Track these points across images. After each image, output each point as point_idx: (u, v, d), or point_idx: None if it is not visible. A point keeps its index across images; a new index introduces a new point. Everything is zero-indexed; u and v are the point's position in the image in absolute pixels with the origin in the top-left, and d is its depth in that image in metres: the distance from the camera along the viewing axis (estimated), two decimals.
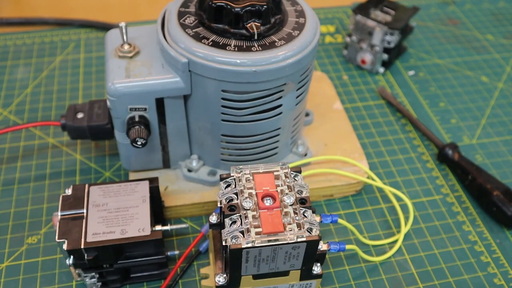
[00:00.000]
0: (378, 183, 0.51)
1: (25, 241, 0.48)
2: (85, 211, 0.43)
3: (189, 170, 0.50)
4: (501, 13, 0.79)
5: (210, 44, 0.42)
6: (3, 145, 0.57)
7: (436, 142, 0.57)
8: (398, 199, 0.52)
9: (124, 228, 0.42)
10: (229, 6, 0.41)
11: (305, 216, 0.35)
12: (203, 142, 0.49)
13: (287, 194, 0.36)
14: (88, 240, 0.41)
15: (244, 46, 0.42)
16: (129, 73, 0.44)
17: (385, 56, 0.65)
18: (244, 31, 0.42)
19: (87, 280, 0.44)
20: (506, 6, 0.80)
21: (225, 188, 0.37)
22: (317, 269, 0.38)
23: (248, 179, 0.37)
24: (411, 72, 0.68)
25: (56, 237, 0.41)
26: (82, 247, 0.40)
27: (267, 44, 0.42)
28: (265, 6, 0.41)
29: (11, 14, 0.74)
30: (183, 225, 0.46)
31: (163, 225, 0.44)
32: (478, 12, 0.79)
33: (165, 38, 0.43)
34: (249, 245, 0.34)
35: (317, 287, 0.40)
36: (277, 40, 0.42)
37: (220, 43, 0.42)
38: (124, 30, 0.45)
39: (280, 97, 0.45)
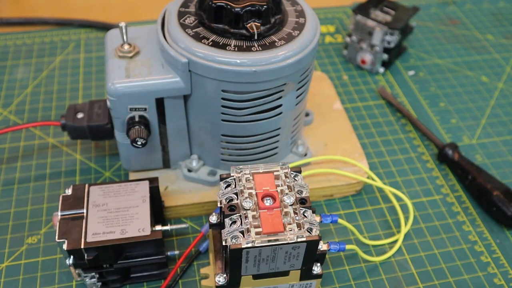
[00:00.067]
0: (378, 183, 0.51)
1: (25, 241, 0.48)
2: (85, 211, 0.43)
3: (189, 170, 0.50)
4: (501, 13, 0.79)
5: (210, 44, 0.42)
6: (3, 145, 0.57)
7: (436, 142, 0.57)
8: (398, 199, 0.52)
9: (124, 228, 0.42)
10: (229, 6, 0.41)
11: (305, 216, 0.35)
12: (203, 142, 0.49)
13: (287, 194, 0.36)
14: (88, 240, 0.41)
15: (244, 46, 0.42)
16: (129, 73, 0.44)
17: (385, 56, 0.65)
18: (244, 31, 0.42)
19: (87, 280, 0.44)
20: (506, 6, 0.80)
21: (225, 188, 0.37)
22: (317, 269, 0.38)
23: (248, 179, 0.37)
24: (411, 72, 0.68)
25: (56, 237, 0.41)
26: (82, 247, 0.40)
27: (267, 44, 0.42)
28: (265, 6, 0.41)
29: (11, 14, 0.74)
30: (183, 225, 0.46)
31: (163, 225, 0.44)
32: (478, 12, 0.79)
33: (165, 38, 0.43)
34: (249, 245, 0.34)
35: (317, 287, 0.40)
36: (277, 40, 0.42)
37: (220, 43, 0.42)
38: (124, 30, 0.45)
39: (280, 97, 0.45)
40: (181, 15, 0.44)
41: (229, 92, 0.43)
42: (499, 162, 0.58)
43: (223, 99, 0.44)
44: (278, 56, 0.41)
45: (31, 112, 0.60)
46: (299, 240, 0.34)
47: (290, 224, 0.35)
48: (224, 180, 0.37)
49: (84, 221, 0.42)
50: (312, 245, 0.35)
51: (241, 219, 0.35)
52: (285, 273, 0.38)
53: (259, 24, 0.41)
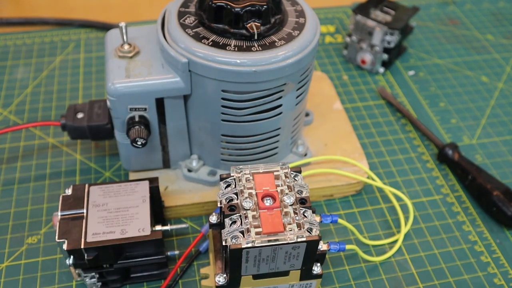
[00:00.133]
0: (378, 183, 0.51)
1: (25, 241, 0.48)
2: (85, 211, 0.43)
3: (189, 170, 0.50)
4: (501, 13, 0.79)
5: (210, 44, 0.42)
6: (3, 145, 0.57)
7: (436, 142, 0.57)
8: (398, 199, 0.52)
9: (124, 228, 0.42)
10: (229, 6, 0.41)
11: (305, 216, 0.35)
12: (203, 142, 0.49)
13: (287, 194, 0.36)
14: (88, 240, 0.41)
15: (244, 46, 0.42)
16: (129, 73, 0.44)
17: (385, 56, 0.65)
18: (244, 31, 0.42)
19: (87, 280, 0.44)
20: (506, 6, 0.80)
21: (225, 188, 0.37)
22: (317, 269, 0.38)
23: (248, 179, 0.37)
24: (411, 72, 0.68)
25: (56, 237, 0.41)
26: (82, 247, 0.40)
27: (267, 44, 0.42)
28: (265, 6, 0.41)
29: (11, 14, 0.74)
30: (183, 225, 0.46)
31: (163, 225, 0.44)
32: (478, 12, 0.79)
33: (165, 38, 0.43)
34: (249, 245, 0.34)
35: (317, 287, 0.40)
36: (277, 40, 0.42)
37: (220, 43, 0.42)
38: (124, 30, 0.45)
39: (280, 97, 0.45)
40: (181, 15, 0.44)
41: (229, 92, 0.43)
42: (499, 162, 0.58)
43: (223, 99, 0.44)
44: (278, 56, 0.41)
45: (31, 112, 0.60)
46: (299, 240, 0.34)
47: (290, 224, 0.35)
48: (224, 180, 0.37)
49: (84, 221, 0.42)
50: (312, 245, 0.35)
51: (241, 219, 0.35)
52: (285, 273, 0.38)
53: (259, 24, 0.41)
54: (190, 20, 0.44)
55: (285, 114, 0.47)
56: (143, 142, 0.44)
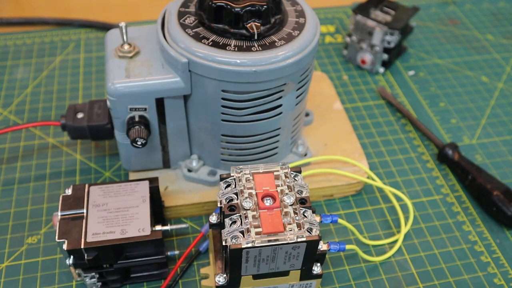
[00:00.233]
0: (378, 183, 0.51)
1: (25, 241, 0.48)
2: (85, 211, 0.43)
3: (189, 170, 0.50)
4: (501, 13, 0.79)
5: (210, 44, 0.42)
6: (3, 145, 0.57)
7: (436, 142, 0.57)
8: (398, 199, 0.52)
9: (124, 228, 0.42)
10: (229, 6, 0.41)
11: (305, 216, 0.35)
12: (203, 142, 0.49)
13: (287, 194, 0.36)
14: (88, 240, 0.41)
15: (244, 46, 0.42)
16: (129, 73, 0.44)
17: (385, 56, 0.65)
18: (244, 31, 0.42)
19: (87, 280, 0.44)
20: (506, 6, 0.80)
21: (225, 188, 0.37)
22: (317, 269, 0.38)
23: (248, 179, 0.37)
24: (411, 72, 0.68)
25: (56, 237, 0.41)
26: (82, 247, 0.40)
27: (267, 44, 0.42)
28: (265, 6, 0.41)
29: (11, 14, 0.74)
30: (183, 225, 0.46)
31: (163, 225, 0.44)
32: (478, 12, 0.79)
33: (165, 38, 0.43)
34: (249, 245, 0.34)
35: (317, 287, 0.40)
36: (277, 40, 0.42)
37: (220, 43, 0.42)
38: (124, 30, 0.45)
39: (280, 97, 0.45)
40: (181, 15, 0.44)
41: (229, 92, 0.43)
42: (499, 162, 0.58)
43: (223, 99, 0.44)
44: (278, 56, 0.41)
45: (31, 112, 0.60)
46: (299, 240, 0.34)
47: (290, 224, 0.35)
48: (224, 180, 0.37)
49: (84, 221, 0.42)
50: (312, 245, 0.35)
51: (241, 219, 0.35)
52: (285, 273, 0.38)
53: (259, 24, 0.41)
54: (190, 20, 0.44)
55: (285, 114, 0.47)
56: (143, 142, 0.44)
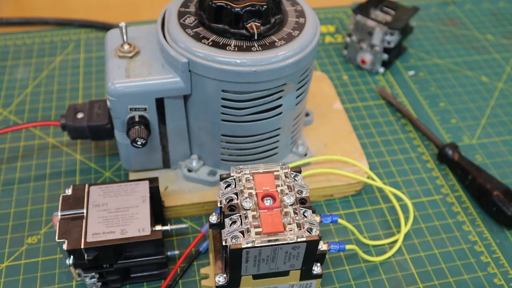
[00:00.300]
0: (378, 183, 0.51)
1: (25, 241, 0.48)
2: (85, 211, 0.43)
3: (189, 170, 0.50)
4: (501, 13, 0.79)
5: (210, 44, 0.42)
6: (3, 145, 0.57)
7: (436, 142, 0.57)
8: (398, 199, 0.52)
9: (124, 228, 0.42)
10: (229, 6, 0.41)
11: (305, 216, 0.35)
12: (203, 142, 0.49)
13: (287, 194, 0.36)
14: (88, 240, 0.41)
15: (244, 46, 0.42)
16: (129, 73, 0.44)
17: (385, 56, 0.65)
18: (244, 31, 0.42)
19: (87, 280, 0.44)
20: (506, 6, 0.80)
21: (225, 188, 0.37)
22: (317, 269, 0.38)
23: (248, 179, 0.37)
24: (411, 72, 0.68)
25: (56, 237, 0.41)
26: (82, 247, 0.40)
27: (267, 44, 0.42)
28: (265, 6, 0.41)
29: (11, 14, 0.74)
30: (183, 225, 0.46)
31: (163, 225, 0.44)
32: (478, 12, 0.79)
33: (165, 38, 0.43)
34: (249, 245, 0.34)
35: (317, 287, 0.40)
36: (277, 40, 0.42)
37: (220, 43, 0.42)
38: (124, 30, 0.45)
39: (280, 97, 0.45)
40: (181, 15, 0.44)
41: (229, 92, 0.43)
42: (499, 162, 0.58)
43: (223, 99, 0.44)
44: (278, 56, 0.41)
45: (31, 112, 0.60)
46: (299, 240, 0.34)
47: (290, 224, 0.35)
48: (224, 180, 0.37)
49: (84, 221, 0.42)
50: (312, 245, 0.35)
51: (241, 219, 0.35)
52: (285, 273, 0.38)
53: (259, 24, 0.41)
54: (190, 20, 0.44)
55: (285, 114, 0.47)
56: (143, 142, 0.44)
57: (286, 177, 0.37)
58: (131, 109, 0.45)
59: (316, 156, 0.53)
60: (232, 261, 0.35)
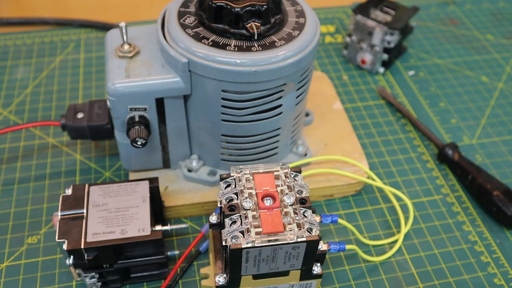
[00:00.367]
0: (378, 183, 0.51)
1: (25, 241, 0.48)
2: (85, 211, 0.43)
3: (189, 170, 0.50)
4: (501, 13, 0.79)
5: (210, 44, 0.42)
6: (3, 145, 0.57)
7: (436, 142, 0.57)
8: (398, 199, 0.52)
9: (124, 228, 0.42)
10: (229, 6, 0.41)
11: (305, 216, 0.35)
12: (203, 142, 0.49)
13: (287, 194, 0.36)
14: (88, 240, 0.41)
15: (244, 46, 0.42)
16: (129, 73, 0.44)
17: (385, 56, 0.65)
18: (244, 31, 0.42)
19: (87, 280, 0.44)
20: (506, 6, 0.80)
21: (225, 188, 0.37)
22: (317, 269, 0.38)
23: (248, 179, 0.37)
24: (411, 72, 0.68)
25: (56, 237, 0.41)
26: (82, 247, 0.40)
27: (267, 44, 0.42)
28: (265, 6, 0.41)
29: (11, 14, 0.74)
30: (183, 225, 0.46)
31: (163, 225, 0.44)
32: (478, 12, 0.79)
33: (165, 38, 0.43)
34: (249, 245, 0.34)
35: (317, 287, 0.40)
36: (277, 40, 0.42)
37: (220, 43, 0.42)
38: (124, 30, 0.45)
39: (280, 97, 0.45)
40: (181, 15, 0.44)
41: (229, 92, 0.43)
42: (499, 162, 0.58)
43: (223, 99, 0.44)
44: (278, 56, 0.41)
45: (31, 112, 0.60)
46: (299, 240, 0.34)
47: (290, 224, 0.35)
48: (224, 180, 0.37)
49: (84, 221, 0.42)
50: (312, 245, 0.35)
51: (241, 219, 0.35)
52: (285, 273, 0.38)
53: (259, 24, 0.41)
54: (190, 20, 0.44)
55: (285, 114, 0.47)
56: (143, 142, 0.44)
57: (286, 177, 0.37)
58: (131, 109, 0.45)
59: (316, 156, 0.53)
60: (232, 261, 0.35)
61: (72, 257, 0.41)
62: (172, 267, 0.46)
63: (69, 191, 0.44)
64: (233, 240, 0.34)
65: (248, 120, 0.45)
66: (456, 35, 0.75)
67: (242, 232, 0.34)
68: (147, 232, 0.42)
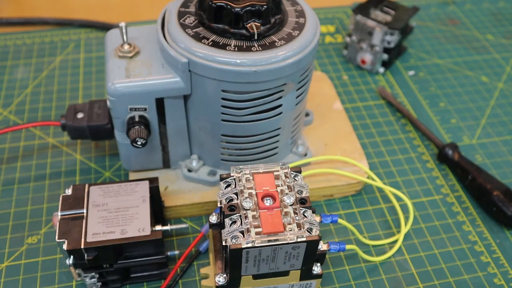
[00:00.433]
0: (378, 183, 0.51)
1: (25, 241, 0.48)
2: (85, 211, 0.43)
3: (189, 170, 0.50)
4: (501, 13, 0.79)
5: (210, 44, 0.42)
6: (3, 145, 0.57)
7: (436, 142, 0.57)
8: (398, 199, 0.52)
9: (124, 228, 0.42)
10: (229, 6, 0.41)
11: (305, 216, 0.35)
12: (203, 142, 0.49)
13: (287, 194, 0.36)
14: (88, 240, 0.41)
15: (244, 46, 0.42)
16: (129, 73, 0.44)
17: (385, 56, 0.65)
18: (244, 31, 0.42)
19: (87, 280, 0.44)
20: (506, 6, 0.80)
21: (225, 188, 0.37)
22: (317, 269, 0.38)
23: (248, 179, 0.37)
24: (411, 72, 0.68)
25: (56, 237, 0.41)
26: (82, 247, 0.40)
27: (267, 44, 0.42)
28: (265, 6, 0.41)
29: (11, 14, 0.74)
30: (183, 225, 0.46)
31: (163, 225, 0.44)
32: (478, 12, 0.79)
33: (165, 38, 0.43)
34: (249, 245, 0.34)
35: (317, 287, 0.40)
36: (277, 40, 0.42)
37: (220, 43, 0.42)
38: (124, 30, 0.45)
39: (280, 97, 0.45)
40: (181, 15, 0.44)
41: (229, 92, 0.43)
42: (499, 162, 0.58)
43: (223, 99, 0.44)
44: (278, 56, 0.41)
45: (31, 112, 0.60)
46: (299, 240, 0.34)
47: (290, 224, 0.35)
48: (224, 180, 0.37)
49: (84, 221, 0.42)
50: (312, 245, 0.35)
51: (241, 219, 0.35)
52: (285, 273, 0.38)
53: (259, 24, 0.41)
54: (190, 20, 0.44)
55: (285, 114, 0.47)
56: (143, 142, 0.44)
57: (286, 177, 0.37)
58: (131, 109, 0.45)
59: (316, 156, 0.53)
60: (232, 261, 0.35)
61: (72, 257, 0.41)
62: (172, 267, 0.46)
63: (69, 191, 0.44)
64: (233, 240, 0.34)
65: (248, 120, 0.45)
66: (456, 35, 0.75)
67: (242, 232, 0.34)
68: (147, 232, 0.42)
